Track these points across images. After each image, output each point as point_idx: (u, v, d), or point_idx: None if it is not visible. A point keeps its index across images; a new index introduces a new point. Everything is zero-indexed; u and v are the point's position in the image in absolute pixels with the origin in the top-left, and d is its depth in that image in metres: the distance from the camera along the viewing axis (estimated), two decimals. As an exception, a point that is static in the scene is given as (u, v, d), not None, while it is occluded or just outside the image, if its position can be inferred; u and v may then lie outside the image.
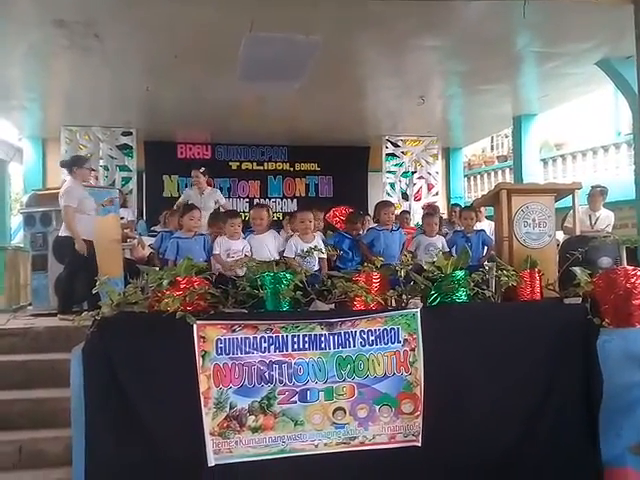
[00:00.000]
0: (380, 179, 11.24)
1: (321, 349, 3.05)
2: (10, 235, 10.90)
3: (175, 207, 7.26)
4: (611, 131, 12.21)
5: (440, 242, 6.06)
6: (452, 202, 11.37)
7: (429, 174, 11.39)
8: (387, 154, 11.23)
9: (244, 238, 5.31)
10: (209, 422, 2.90)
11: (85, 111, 9.24)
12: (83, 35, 6.22)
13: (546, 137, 12.49)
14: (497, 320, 3.31)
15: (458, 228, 6.76)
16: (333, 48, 6.28)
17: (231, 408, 2.93)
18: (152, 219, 9.38)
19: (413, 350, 3.11)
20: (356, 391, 3.06)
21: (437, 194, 11.43)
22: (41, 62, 7.15)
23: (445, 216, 9.22)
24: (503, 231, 4.17)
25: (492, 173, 14.13)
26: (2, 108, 8.96)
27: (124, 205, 8.56)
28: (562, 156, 12.66)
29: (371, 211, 8.04)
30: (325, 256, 5.02)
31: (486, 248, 5.97)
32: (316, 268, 4.89)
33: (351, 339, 3.09)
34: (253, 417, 2.95)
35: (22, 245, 8.31)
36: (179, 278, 3.03)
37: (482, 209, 7.55)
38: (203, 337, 2.92)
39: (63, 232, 5.79)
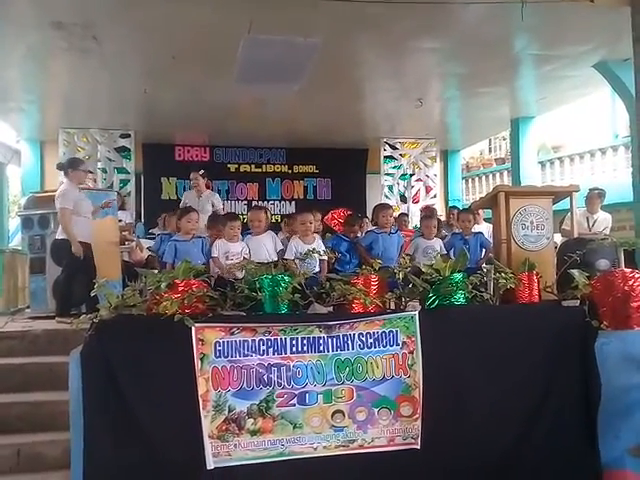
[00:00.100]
0: (378, 181, 11.25)
1: (320, 352, 3.05)
2: (8, 238, 10.88)
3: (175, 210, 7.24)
4: (609, 134, 12.24)
5: (438, 245, 6.06)
6: (450, 204, 11.38)
7: (427, 176, 11.40)
8: (385, 156, 11.25)
9: (242, 240, 5.31)
10: (208, 425, 2.89)
11: (83, 113, 9.25)
12: (81, 37, 6.23)
13: (544, 140, 12.52)
14: (495, 322, 3.31)
15: (456, 230, 6.76)
16: (331, 50, 6.28)
17: (230, 411, 2.93)
18: (150, 221, 9.37)
19: (412, 353, 3.12)
20: (355, 394, 3.06)
21: (435, 196, 11.45)
22: (39, 64, 7.15)
23: (443, 218, 9.22)
24: (501, 233, 4.18)
25: (490, 175, 14.15)
26: (0, 110, 8.94)
27: (122, 208, 8.54)
28: (560, 159, 12.69)
29: (369, 214, 8.04)
30: (325, 258, 5.02)
31: (484, 250, 5.97)
32: (316, 270, 4.90)
33: (350, 342, 3.09)
34: (252, 420, 2.94)
35: (20, 248, 8.29)
36: (177, 281, 3.03)
37: (480, 211, 7.55)
38: (201, 340, 2.92)
39: (60, 235, 5.78)
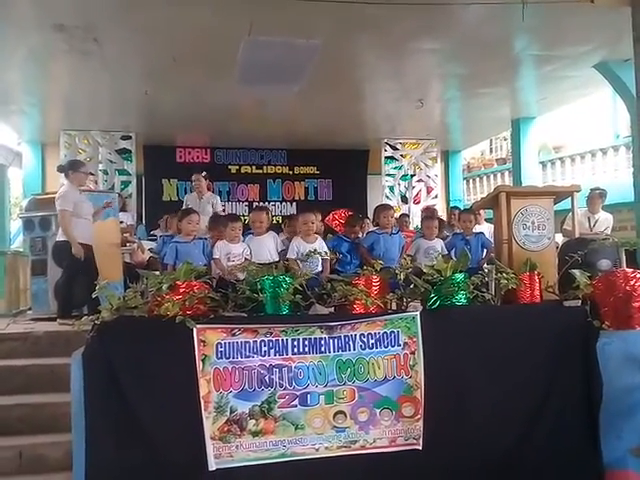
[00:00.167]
0: (379, 182, 11.25)
1: (321, 353, 3.05)
2: (9, 240, 10.86)
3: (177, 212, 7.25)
4: (610, 134, 12.24)
5: (439, 245, 6.06)
6: (451, 205, 11.40)
7: (428, 177, 11.40)
8: (386, 157, 11.24)
9: (243, 241, 5.31)
10: (209, 426, 2.89)
11: (84, 115, 9.25)
12: (82, 39, 6.24)
13: (545, 140, 12.51)
14: (497, 323, 3.31)
15: (457, 231, 6.76)
16: (332, 51, 6.28)
17: (231, 412, 2.93)
18: (151, 223, 9.38)
19: (413, 353, 3.11)
20: (356, 394, 3.06)
21: (436, 197, 11.44)
22: (40, 66, 7.16)
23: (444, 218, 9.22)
24: (502, 234, 4.18)
25: (491, 176, 14.16)
26: (1, 112, 8.96)
27: (123, 209, 8.56)
28: (561, 159, 12.69)
29: (370, 214, 8.04)
30: (328, 257, 5.03)
31: (485, 251, 5.97)
32: (319, 269, 4.91)
33: (351, 342, 3.09)
34: (254, 421, 2.94)
35: (21, 249, 8.30)
36: (178, 282, 3.03)
37: (481, 212, 7.55)
38: (203, 341, 2.92)
39: (61, 236, 5.78)
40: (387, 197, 11.01)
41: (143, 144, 10.56)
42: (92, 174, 9.13)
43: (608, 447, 3.11)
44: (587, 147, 12.21)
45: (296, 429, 2.98)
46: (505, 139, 14.11)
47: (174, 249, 5.24)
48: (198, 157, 11.21)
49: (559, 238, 6.63)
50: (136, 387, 2.88)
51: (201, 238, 5.48)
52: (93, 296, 3.17)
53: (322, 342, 3.05)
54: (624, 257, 3.95)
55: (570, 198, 4.71)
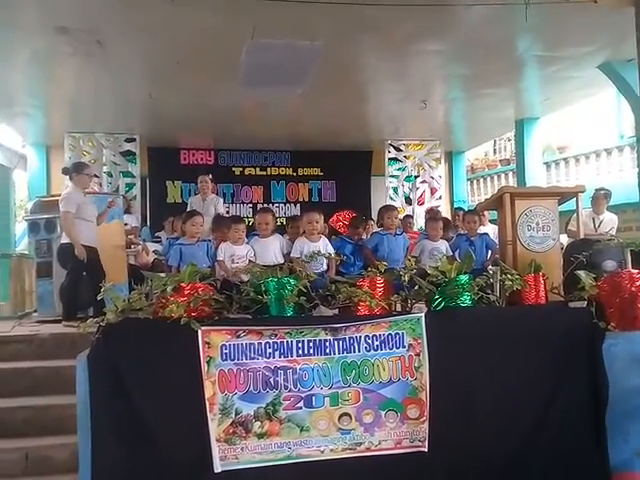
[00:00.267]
0: (383, 183, 11.25)
1: (326, 354, 3.04)
2: (15, 242, 10.91)
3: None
4: (614, 134, 12.19)
5: (444, 246, 6.06)
6: (455, 206, 11.37)
7: (432, 178, 11.40)
8: (390, 158, 11.25)
9: (247, 243, 5.31)
10: (215, 428, 2.89)
11: (88, 118, 9.29)
12: (86, 42, 6.26)
13: (549, 140, 12.48)
14: (502, 324, 3.30)
15: (462, 232, 6.75)
16: (335, 53, 6.29)
17: (236, 414, 2.93)
18: (156, 225, 9.39)
19: (418, 355, 3.11)
20: (361, 396, 3.06)
21: (440, 198, 11.44)
22: (44, 69, 7.19)
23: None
24: (507, 235, 4.16)
25: (495, 177, 14.14)
26: (6, 115, 9.00)
27: (128, 211, 8.58)
28: (565, 159, 12.66)
29: (374, 216, 8.04)
30: (333, 256, 5.02)
31: (490, 252, 5.96)
32: (324, 268, 4.90)
33: (356, 344, 3.08)
34: (259, 423, 2.94)
35: (27, 252, 8.32)
36: (183, 284, 3.03)
37: (486, 213, 7.54)
38: (208, 343, 2.92)
39: (66, 239, 5.79)
40: (391, 198, 11.01)
41: (147, 146, 10.59)
42: (96, 176, 9.16)
43: (615, 449, 3.09)
44: (591, 147, 12.17)
45: (301, 431, 2.98)
46: (509, 140, 14.10)
47: (178, 251, 5.25)
48: (202, 159, 11.22)
49: (564, 239, 6.60)
50: (141, 389, 2.88)
51: (205, 240, 5.48)
52: (98, 298, 3.18)
53: (327, 344, 3.05)
54: (629, 258, 3.92)
55: (575, 199, 4.70)
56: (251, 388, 2.95)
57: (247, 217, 10.33)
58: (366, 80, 7.97)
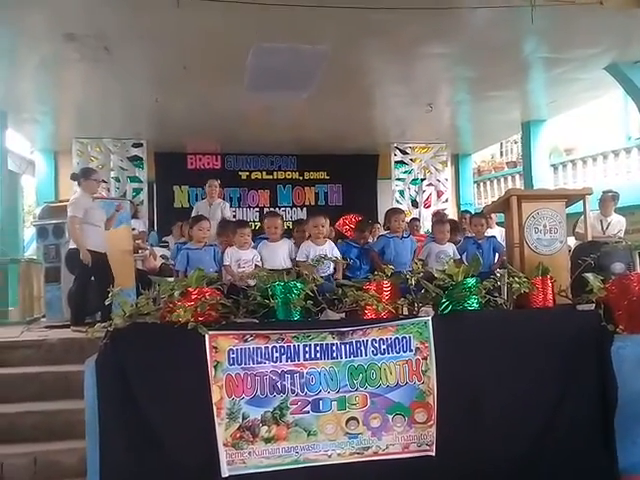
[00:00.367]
0: (389, 186, 11.23)
1: (333, 358, 3.05)
2: (23, 247, 10.99)
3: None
4: (621, 135, 12.14)
5: (451, 249, 6.03)
6: (462, 209, 11.34)
7: (438, 181, 11.38)
8: (396, 161, 11.24)
9: (255, 247, 5.32)
10: (222, 433, 2.90)
11: (96, 123, 9.34)
12: (93, 48, 6.30)
13: (556, 142, 12.44)
14: (510, 327, 3.29)
15: (469, 234, 6.72)
16: (341, 57, 6.30)
17: (244, 418, 2.93)
18: (163, 230, 9.42)
19: (425, 359, 3.10)
20: (369, 400, 3.05)
21: (447, 201, 11.41)
22: (52, 75, 7.23)
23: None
24: (514, 237, 4.15)
25: (502, 179, 14.10)
26: (14, 121, 9.05)
27: (135, 216, 8.61)
28: (572, 161, 12.61)
29: (381, 219, 8.03)
30: (340, 258, 5.02)
31: (497, 255, 5.94)
32: (330, 272, 4.89)
33: (363, 348, 3.08)
34: (266, 427, 2.94)
35: (35, 257, 8.37)
36: (190, 289, 3.04)
37: (493, 215, 7.52)
38: (215, 347, 2.93)
39: (73, 244, 5.82)
40: (397, 201, 10.99)
41: (154, 151, 10.64)
42: (104, 181, 9.22)
43: (624, 452, 3.08)
44: (598, 149, 12.13)
45: (308, 435, 2.98)
46: (515, 142, 14.06)
47: (185, 256, 5.26)
48: (209, 163, 11.26)
49: (571, 241, 6.57)
50: (149, 393, 2.89)
51: (212, 245, 5.49)
52: (106, 303, 3.19)
53: (334, 348, 3.05)
54: (638, 260, 3.92)
55: (582, 201, 4.68)
56: (258, 392, 2.95)
57: (254, 221, 10.34)
58: (372, 83, 7.97)
